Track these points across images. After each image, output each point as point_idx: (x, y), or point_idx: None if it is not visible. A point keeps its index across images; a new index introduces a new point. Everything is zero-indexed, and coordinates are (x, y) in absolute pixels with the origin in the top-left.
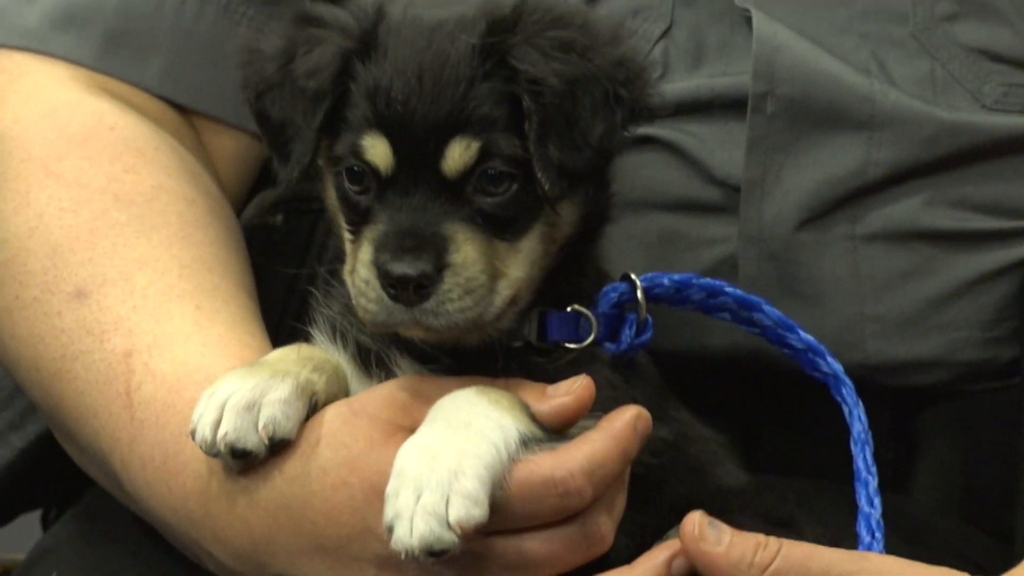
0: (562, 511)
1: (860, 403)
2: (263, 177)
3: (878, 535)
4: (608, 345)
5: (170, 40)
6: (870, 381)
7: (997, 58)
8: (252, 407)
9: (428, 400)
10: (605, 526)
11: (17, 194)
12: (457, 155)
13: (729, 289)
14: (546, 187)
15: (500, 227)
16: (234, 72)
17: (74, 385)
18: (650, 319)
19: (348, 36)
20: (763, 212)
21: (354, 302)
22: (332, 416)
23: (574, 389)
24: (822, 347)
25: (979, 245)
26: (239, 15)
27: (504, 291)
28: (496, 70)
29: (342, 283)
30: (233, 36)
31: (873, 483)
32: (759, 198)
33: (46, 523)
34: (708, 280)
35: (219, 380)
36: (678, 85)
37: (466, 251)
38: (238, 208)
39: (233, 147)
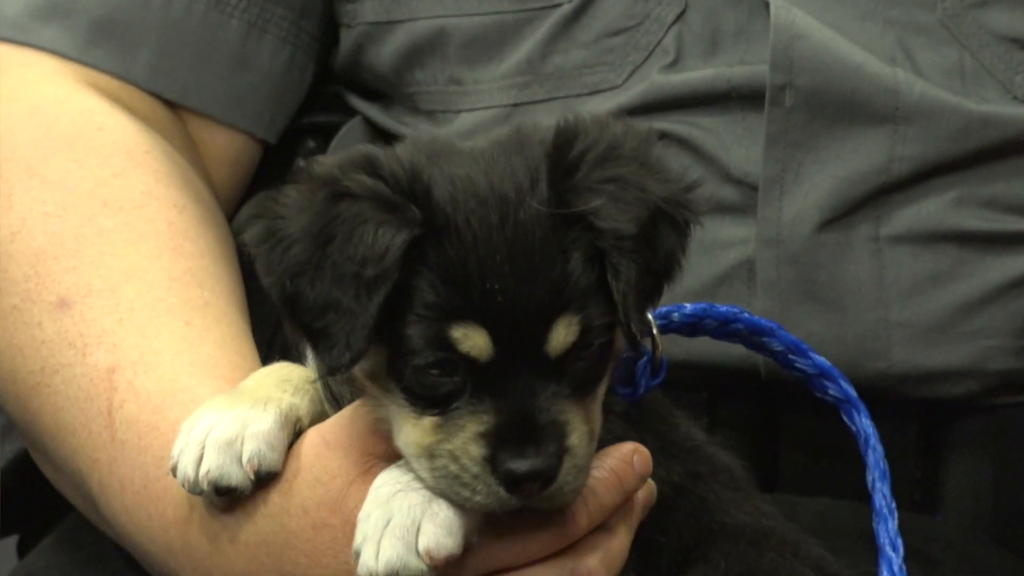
0: (551, 542)
1: (876, 431)
2: (254, 181)
3: None
4: (623, 390)
5: (158, 33)
6: (895, 392)
7: None
8: (235, 441)
9: None
10: (596, 572)
11: None
12: (563, 336)
13: (744, 316)
14: (638, 337)
15: (588, 385)
16: (225, 75)
17: (53, 400)
18: (664, 359)
19: (404, 218)
20: (782, 212)
21: (433, 485)
22: (307, 448)
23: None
24: (835, 370)
25: (1011, 248)
26: (231, 8)
27: (594, 443)
28: (581, 234)
29: None
30: (225, 30)
31: (893, 523)
32: (778, 197)
33: (22, 550)
34: (724, 308)
35: (196, 412)
36: (693, 75)
37: (580, 431)
38: (231, 211)
39: (226, 147)
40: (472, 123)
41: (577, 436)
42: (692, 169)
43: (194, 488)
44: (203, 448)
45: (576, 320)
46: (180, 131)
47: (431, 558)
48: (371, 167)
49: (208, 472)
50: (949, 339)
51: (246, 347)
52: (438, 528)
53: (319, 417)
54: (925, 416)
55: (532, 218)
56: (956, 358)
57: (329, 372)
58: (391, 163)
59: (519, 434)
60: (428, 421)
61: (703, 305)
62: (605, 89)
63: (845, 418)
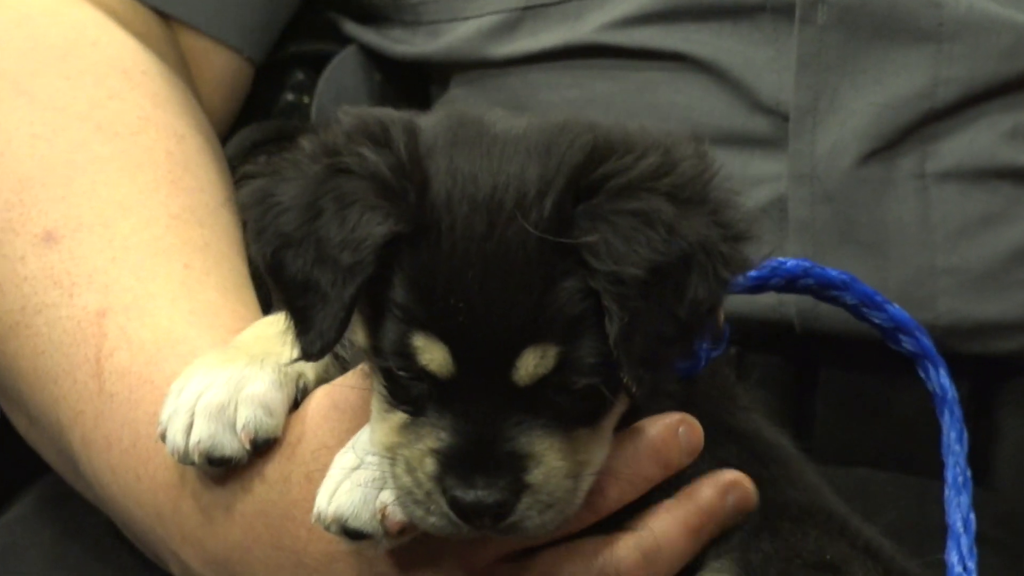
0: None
1: (955, 391)
2: (241, 115)
3: (970, 565)
4: (682, 364)
5: None
6: (941, 347)
7: None
8: (227, 406)
9: None
10: (635, 570)
11: None
12: (532, 366)
13: (816, 270)
14: (634, 389)
15: (581, 416)
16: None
17: (34, 343)
18: (726, 329)
19: (394, 207)
20: (816, 145)
21: (394, 498)
22: (313, 410)
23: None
24: (913, 322)
25: None
26: None
27: (588, 478)
28: (574, 267)
29: None
30: None
31: (967, 496)
32: (811, 128)
33: None
34: (791, 263)
35: (186, 371)
36: None
37: (548, 464)
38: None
39: (222, 69)
40: (477, 30)
41: (543, 471)
42: (716, 99)
43: (184, 459)
44: (193, 415)
45: (552, 353)
46: (174, 51)
47: (385, 516)
48: (378, 140)
49: (199, 442)
50: (1001, 288)
51: (248, 295)
52: None
53: (325, 371)
54: (974, 376)
55: (519, 237)
56: (1008, 309)
57: (303, 356)
58: (401, 139)
59: (471, 461)
60: (398, 418)
61: (771, 263)
62: None
63: (921, 374)
